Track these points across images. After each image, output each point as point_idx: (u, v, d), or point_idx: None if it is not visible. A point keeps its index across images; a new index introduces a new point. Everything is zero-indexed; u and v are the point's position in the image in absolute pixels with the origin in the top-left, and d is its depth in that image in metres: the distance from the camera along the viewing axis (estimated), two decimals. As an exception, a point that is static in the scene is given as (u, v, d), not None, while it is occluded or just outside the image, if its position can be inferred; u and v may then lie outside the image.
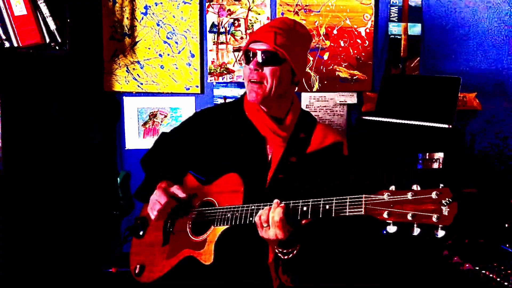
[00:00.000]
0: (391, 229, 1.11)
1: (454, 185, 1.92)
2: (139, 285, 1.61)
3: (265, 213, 1.32)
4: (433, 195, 1.06)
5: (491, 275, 1.88)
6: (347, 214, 1.20)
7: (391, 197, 1.12)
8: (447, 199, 1.04)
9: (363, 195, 1.17)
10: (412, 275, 1.96)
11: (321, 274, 1.53)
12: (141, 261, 1.64)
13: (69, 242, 2.23)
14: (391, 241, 1.99)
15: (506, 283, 1.83)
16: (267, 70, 1.50)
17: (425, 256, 2.00)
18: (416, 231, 1.08)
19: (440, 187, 1.07)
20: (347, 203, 1.20)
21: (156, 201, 1.52)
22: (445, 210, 1.04)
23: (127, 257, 1.71)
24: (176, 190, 1.53)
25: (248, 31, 2.39)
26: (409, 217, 1.08)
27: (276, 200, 1.32)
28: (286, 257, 1.38)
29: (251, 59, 1.52)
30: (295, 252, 1.37)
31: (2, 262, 2.00)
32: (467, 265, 1.95)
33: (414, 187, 1.11)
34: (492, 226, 2.05)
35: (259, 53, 1.50)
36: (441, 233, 1.05)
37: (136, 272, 1.62)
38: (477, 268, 1.93)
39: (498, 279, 1.85)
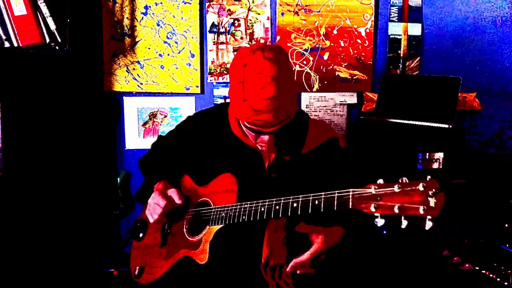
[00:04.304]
0: (379, 222, 1.10)
1: (448, 180, 1.93)
2: (139, 287, 1.61)
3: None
4: (420, 186, 1.05)
5: (491, 275, 1.88)
6: (335, 208, 1.19)
7: (378, 190, 1.11)
8: (433, 190, 1.03)
9: (351, 189, 1.16)
10: (411, 275, 1.96)
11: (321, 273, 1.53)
12: (140, 263, 1.64)
13: (69, 242, 2.23)
14: (390, 241, 1.99)
15: (506, 283, 1.83)
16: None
17: (425, 256, 2.00)
18: (404, 223, 1.06)
19: (427, 179, 1.05)
20: (335, 198, 1.19)
21: (156, 204, 1.50)
22: (432, 202, 1.02)
23: (128, 257, 1.72)
24: (173, 194, 1.53)
25: (248, 31, 2.39)
26: (396, 209, 1.06)
27: None
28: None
29: (257, 131, 1.42)
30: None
31: (1, 262, 2.00)
32: (467, 265, 1.95)
33: (402, 179, 1.09)
34: (491, 223, 2.05)
35: (271, 136, 1.41)
36: (428, 225, 1.03)
37: (136, 273, 1.62)
38: (477, 268, 1.93)
39: (498, 279, 1.86)
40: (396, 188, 1.08)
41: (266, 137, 1.42)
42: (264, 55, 1.32)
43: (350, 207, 1.15)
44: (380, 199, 1.10)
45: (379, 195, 1.10)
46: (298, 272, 1.38)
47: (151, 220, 1.53)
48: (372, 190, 1.12)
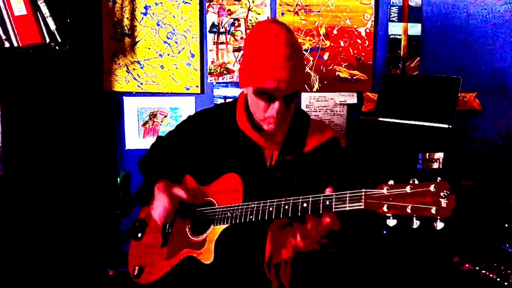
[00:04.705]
0: (391, 222, 1.11)
1: (458, 182, 1.93)
2: (138, 287, 1.61)
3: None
4: (432, 188, 1.07)
5: (491, 275, 1.88)
6: (347, 208, 1.20)
7: (391, 190, 1.12)
8: (445, 191, 1.05)
9: (363, 190, 1.18)
10: (412, 275, 1.96)
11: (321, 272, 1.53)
12: (139, 263, 1.62)
13: (69, 242, 2.23)
14: (390, 241, 1.99)
15: (506, 283, 1.83)
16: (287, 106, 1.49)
17: (425, 256, 2.00)
18: (416, 223, 1.08)
19: (438, 180, 1.08)
20: (347, 198, 1.20)
21: (160, 204, 1.49)
22: (443, 202, 1.05)
23: (127, 256, 1.71)
24: (178, 191, 1.52)
25: (248, 31, 2.39)
26: (408, 209, 1.09)
27: None
28: None
29: (268, 98, 1.45)
30: None
31: (1, 262, 2.00)
32: (467, 265, 1.95)
33: (413, 181, 1.11)
34: (491, 223, 2.06)
35: (282, 100, 1.44)
36: (440, 225, 1.06)
37: (135, 274, 1.61)
38: (477, 268, 1.93)
39: (498, 279, 1.86)
40: (408, 189, 1.10)
41: (276, 105, 1.43)
42: (279, 24, 1.44)
43: (363, 207, 1.16)
44: (393, 199, 1.11)
45: (391, 196, 1.12)
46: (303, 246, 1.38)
47: (158, 222, 1.51)
48: (384, 190, 1.13)
